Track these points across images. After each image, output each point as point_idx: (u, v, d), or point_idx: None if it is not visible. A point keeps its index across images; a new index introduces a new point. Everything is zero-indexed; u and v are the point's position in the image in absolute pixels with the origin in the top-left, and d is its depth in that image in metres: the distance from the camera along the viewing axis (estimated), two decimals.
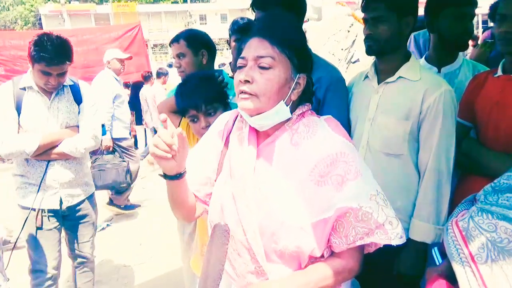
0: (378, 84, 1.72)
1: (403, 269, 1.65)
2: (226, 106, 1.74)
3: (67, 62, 2.16)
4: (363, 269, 1.13)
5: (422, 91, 1.58)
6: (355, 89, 1.87)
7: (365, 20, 1.68)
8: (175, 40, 2.24)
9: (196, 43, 2.21)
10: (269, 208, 1.07)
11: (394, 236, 1.02)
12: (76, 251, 2.53)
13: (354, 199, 1.01)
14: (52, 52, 2.06)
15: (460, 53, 2.01)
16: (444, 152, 1.57)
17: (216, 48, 2.46)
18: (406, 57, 1.67)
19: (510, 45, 1.56)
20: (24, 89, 2.21)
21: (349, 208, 1.01)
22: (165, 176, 1.09)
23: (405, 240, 1.04)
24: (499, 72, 1.65)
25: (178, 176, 1.09)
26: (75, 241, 2.50)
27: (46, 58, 2.06)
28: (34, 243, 2.30)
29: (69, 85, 2.35)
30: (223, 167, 1.21)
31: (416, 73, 1.63)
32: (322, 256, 1.10)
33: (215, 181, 1.24)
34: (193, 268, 1.87)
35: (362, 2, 1.68)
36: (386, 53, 1.66)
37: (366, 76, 1.81)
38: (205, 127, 1.63)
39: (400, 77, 1.65)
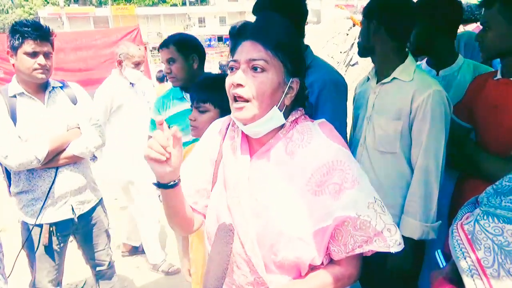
0: (376, 85, 1.81)
1: (392, 263, 1.71)
2: (224, 111, 1.75)
3: (51, 39, 2.10)
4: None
5: (411, 92, 1.65)
6: (359, 89, 1.98)
7: None
8: (164, 45, 2.21)
9: (186, 48, 2.19)
10: (267, 218, 1.06)
11: (392, 243, 1.02)
12: (95, 261, 2.45)
13: (352, 208, 1.00)
14: (32, 25, 2.02)
15: (460, 55, 2.02)
16: (432, 152, 1.62)
17: (216, 51, 2.47)
18: (402, 59, 1.74)
19: (483, 51, 1.68)
20: (14, 96, 2.08)
21: (347, 217, 1.00)
22: (158, 184, 1.05)
23: (403, 247, 1.04)
24: (499, 75, 1.65)
25: (173, 184, 1.05)
26: (91, 251, 2.42)
27: (29, 32, 1.99)
28: (38, 261, 2.19)
29: (59, 87, 2.26)
30: (218, 177, 1.20)
31: (410, 74, 1.70)
32: (322, 263, 1.09)
33: (211, 191, 1.23)
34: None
35: None
36: (366, 55, 1.82)
37: (369, 78, 1.91)
38: (192, 120, 1.70)
39: (394, 78, 1.72)
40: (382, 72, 1.79)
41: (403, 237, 1.62)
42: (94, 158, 5.23)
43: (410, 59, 1.75)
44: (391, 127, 1.70)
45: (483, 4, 1.65)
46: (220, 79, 1.75)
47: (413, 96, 1.64)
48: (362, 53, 1.84)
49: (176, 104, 2.30)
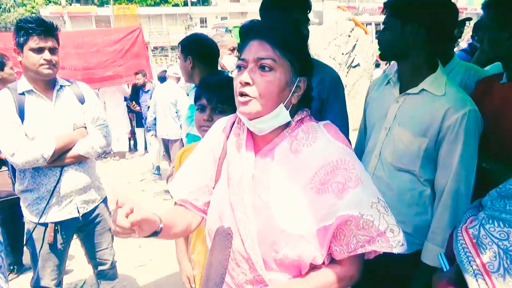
0: (400, 93, 1.65)
1: None
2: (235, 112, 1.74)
3: (55, 34, 2.11)
4: (363, 276, 1.12)
5: (444, 109, 1.49)
6: (375, 94, 1.81)
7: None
8: (178, 45, 2.38)
9: (183, 49, 2.31)
10: (269, 216, 1.05)
11: (395, 244, 1.01)
12: (97, 260, 2.44)
13: (355, 207, 1.00)
14: (36, 21, 2.03)
15: (456, 56, 2.03)
16: (464, 175, 1.49)
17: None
18: (433, 68, 1.59)
19: (482, 53, 1.68)
20: (23, 94, 2.09)
21: (350, 216, 1.00)
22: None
23: (406, 248, 1.03)
24: (504, 79, 1.63)
25: (154, 234, 1.04)
26: (94, 249, 2.41)
27: (33, 28, 2.00)
28: (41, 259, 2.19)
29: (68, 86, 2.27)
30: (221, 175, 1.19)
31: (441, 87, 1.54)
32: (323, 263, 1.08)
33: (213, 188, 1.22)
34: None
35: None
36: (392, 59, 1.66)
37: (389, 82, 1.74)
38: (207, 121, 1.64)
39: (423, 89, 1.57)
40: (409, 81, 1.62)
41: (425, 265, 1.52)
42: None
43: (441, 69, 1.59)
44: (415, 144, 1.55)
45: (482, 7, 1.66)
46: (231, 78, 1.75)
47: (445, 114, 1.48)
48: (389, 57, 1.70)
49: (190, 99, 2.50)
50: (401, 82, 1.67)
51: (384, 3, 1.62)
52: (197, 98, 1.71)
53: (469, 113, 1.46)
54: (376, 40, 1.76)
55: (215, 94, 1.64)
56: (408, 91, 1.61)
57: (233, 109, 1.60)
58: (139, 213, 0.93)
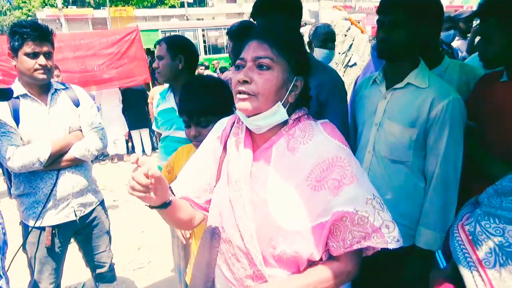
0: (387, 90, 1.71)
1: (410, 277, 1.63)
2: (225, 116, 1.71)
3: (50, 38, 2.09)
4: (365, 272, 1.14)
5: (429, 99, 1.57)
6: (363, 93, 1.87)
7: (380, 23, 1.64)
8: (158, 42, 2.34)
9: (175, 47, 2.28)
10: (266, 213, 1.08)
11: (390, 240, 1.03)
12: (95, 262, 2.44)
13: (350, 204, 1.02)
14: (31, 26, 2.01)
15: (446, 56, 2.01)
16: (451, 160, 1.56)
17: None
18: (416, 63, 1.66)
19: (485, 62, 1.66)
20: (17, 98, 2.07)
21: (345, 212, 1.02)
22: (151, 206, 1.11)
23: (402, 244, 1.04)
24: (505, 77, 1.63)
25: (164, 206, 1.10)
26: (92, 252, 2.41)
27: (28, 33, 1.98)
28: (38, 263, 2.19)
29: (62, 89, 2.26)
30: (221, 173, 1.22)
31: (425, 80, 1.62)
32: (321, 259, 1.10)
33: (214, 187, 1.25)
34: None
35: (379, 4, 1.65)
36: (399, 59, 1.64)
37: (374, 81, 1.80)
38: (195, 136, 1.63)
39: (408, 83, 1.64)
40: (395, 78, 1.68)
41: (418, 249, 1.58)
42: None
43: (422, 63, 1.66)
44: (406, 135, 1.61)
45: (478, 16, 1.64)
46: (205, 83, 1.71)
47: (431, 104, 1.56)
48: (392, 56, 1.66)
49: (162, 102, 2.45)
50: (386, 80, 1.73)
51: (395, 1, 1.59)
52: (180, 113, 1.69)
53: (453, 101, 1.54)
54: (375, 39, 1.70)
55: (194, 109, 1.61)
56: (395, 86, 1.67)
57: (219, 117, 1.50)
58: (158, 172, 1.00)
